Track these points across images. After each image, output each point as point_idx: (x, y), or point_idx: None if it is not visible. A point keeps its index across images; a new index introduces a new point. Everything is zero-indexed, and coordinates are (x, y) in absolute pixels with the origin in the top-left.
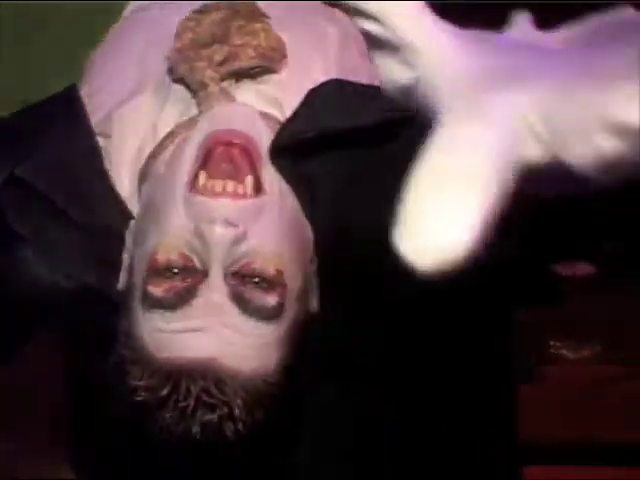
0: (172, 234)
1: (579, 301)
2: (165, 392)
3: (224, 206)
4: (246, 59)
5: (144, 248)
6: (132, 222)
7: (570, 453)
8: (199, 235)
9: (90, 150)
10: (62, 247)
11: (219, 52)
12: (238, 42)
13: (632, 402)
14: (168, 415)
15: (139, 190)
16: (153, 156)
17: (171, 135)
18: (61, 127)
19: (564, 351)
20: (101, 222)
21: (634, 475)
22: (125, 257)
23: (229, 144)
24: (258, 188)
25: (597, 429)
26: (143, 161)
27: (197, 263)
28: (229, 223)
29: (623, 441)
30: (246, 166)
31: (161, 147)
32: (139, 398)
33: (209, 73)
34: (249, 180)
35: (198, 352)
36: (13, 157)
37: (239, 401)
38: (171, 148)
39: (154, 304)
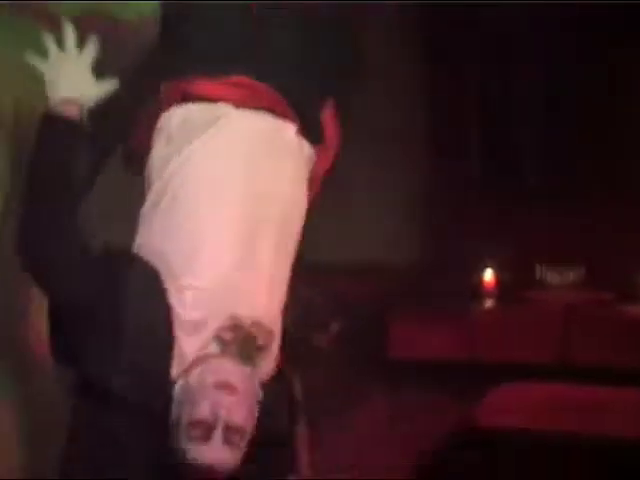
0: (200, 410)
1: (565, 227)
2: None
3: (226, 399)
4: None
5: (186, 411)
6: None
7: (550, 373)
8: (213, 413)
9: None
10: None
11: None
12: None
13: (614, 326)
14: None
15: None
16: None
17: (194, 363)
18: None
19: (549, 276)
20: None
21: (612, 395)
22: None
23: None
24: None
25: (578, 351)
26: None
27: (210, 422)
28: (224, 408)
29: (602, 363)
30: (233, 389)
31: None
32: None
33: None
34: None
35: (207, 461)
36: None
37: None
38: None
39: (192, 439)
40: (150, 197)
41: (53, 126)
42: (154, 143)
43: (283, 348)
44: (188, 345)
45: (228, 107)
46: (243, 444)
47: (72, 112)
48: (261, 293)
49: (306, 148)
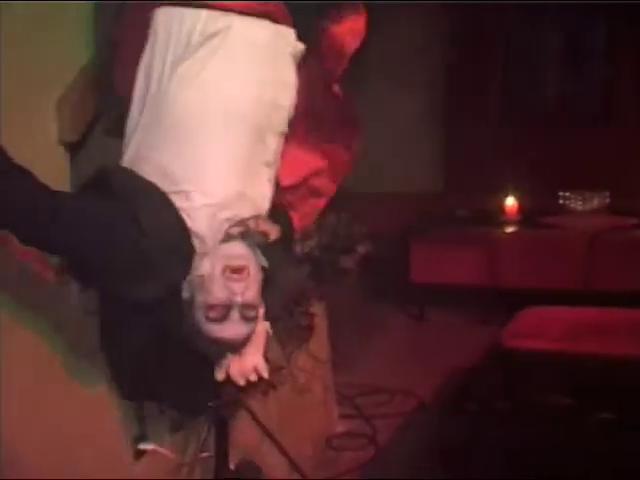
0: (215, 297)
1: (588, 152)
2: (207, 345)
3: (238, 286)
4: None
5: (202, 297)
6: (195, 276)
7: (573, 299)
8: (228, 298)
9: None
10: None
11: None
12: None
13: (638, 250)
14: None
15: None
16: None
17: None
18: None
19: (573, 202)
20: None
21: (629, 316)
22: (186, 287)
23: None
24: (246, 275)
25: (601, 277)
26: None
27: (226, 305)
28: (238, 294)
29: (626, 288)
30: (242, 270)
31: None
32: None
33: None
34: (244, 273)
35: (227, 337)
36: None
37: None
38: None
39: (211, 320)
40: (147, 110)
41: None
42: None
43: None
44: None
45: (231, 15)
46: (256, 317)
47: None
48: (264, 196)
49: (300, 48)
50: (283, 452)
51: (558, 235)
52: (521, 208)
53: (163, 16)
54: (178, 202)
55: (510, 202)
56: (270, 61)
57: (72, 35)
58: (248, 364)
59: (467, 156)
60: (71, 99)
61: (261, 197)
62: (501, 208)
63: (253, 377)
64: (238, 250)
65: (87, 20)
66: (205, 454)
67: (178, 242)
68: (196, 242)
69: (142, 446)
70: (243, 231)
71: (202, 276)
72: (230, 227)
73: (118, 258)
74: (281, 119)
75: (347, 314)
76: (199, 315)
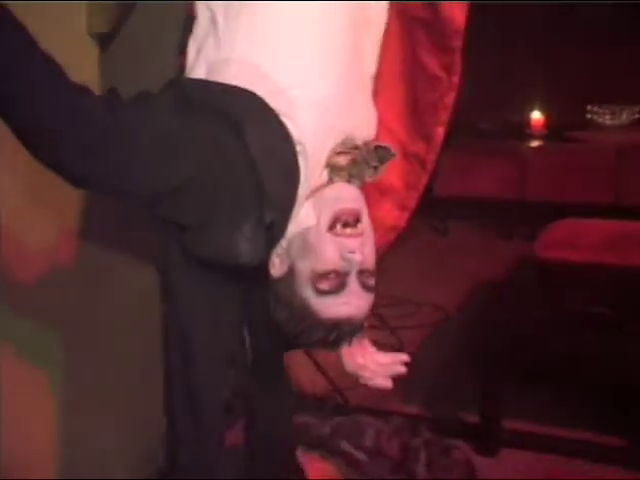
0: (328, 259)
1: (616, 65)
2: (321, 333)
3: (354, 242)
4: None
5: (308, 264)
6: (297, 235)
7: (601, 213)
8: (344, 259)
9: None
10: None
11: None
12: None
13: None
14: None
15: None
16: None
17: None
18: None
19: (601, 116)
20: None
21: None
22: (283, 253)
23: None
24: (361, 229)
25: (631, 192)
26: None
27: (342, 270)
28: (357, 251)
29: None
30: (356, 221)
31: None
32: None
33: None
34: (359, 226)
35: (346, 313)
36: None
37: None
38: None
39: (324, 292)
40: (230, 6)
41: None
42: None
43: None
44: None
45: None
46: (375, 285)
47: None
48: (369, 110)
49: None
50: (312, 359)
51: (585, 149)
52: (547, 122)
53: None
54: (277, 105)
55: (536, 116)
56: None
57: None
58: (368, 354)
59: (491, 68)
60: None
61: (369, 114)
62: (527, 122)
63: (395, 370)
64: (348, 191)
65: None
66: None
67: (290, 164)
68: (302, 162)
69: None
70: (353, 159)
71: (306, 230)
72: (337, 152)
73: (224, 191)
74: (377, 18)
75: None
76: (306, 290)
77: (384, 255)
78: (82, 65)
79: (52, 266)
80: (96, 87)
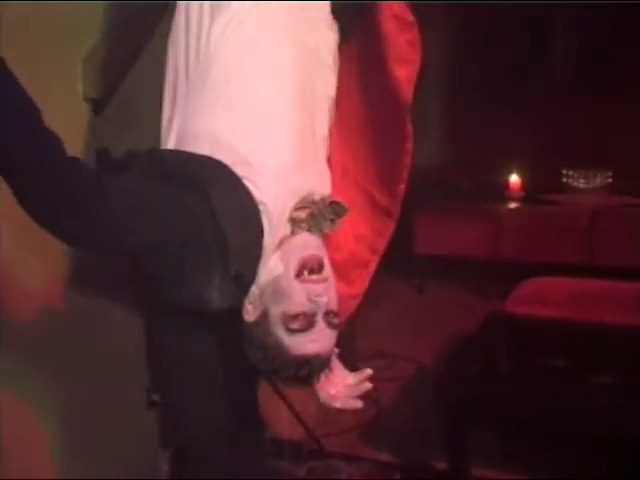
0: (297, 303)
1: (592, 131)
2: (293, 369)
3: (320, 287)
4: None
5: (279, 307)
6: (268, 283)
7: (574, 273)
8: (312, 302)
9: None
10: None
11: None
12: None
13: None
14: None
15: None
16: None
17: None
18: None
19: (576, 180)
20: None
21: (628, 288)
22: (257, 299)
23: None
24: (325, 275)
25: (602, 253)
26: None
27: (310, 312)
28: (323, 295)
29: (626, 264)
30: (320, 267)
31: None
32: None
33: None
34: (323, 272)
35: (315, 349)
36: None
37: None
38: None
39: (295, 331)
40: (186, 82)
41: None
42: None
43: None
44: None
45: None
46: (339, 323)
47: None
48: (323, 169)
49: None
50: (290, 407)
51: (560, 211)
52: (525, 185)
53: None
54: (241, 172)
55: (514, 179)
56: (305, 23)
57: None
58: (339, 382)
59: (471, 132)
60: (97, 57)
61: (323, 174)
62: (506, 185)
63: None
64: (311, 240)
65: None
66: None
67: (253, 222)
68: (265, 220)
69: (154, 397)
70: (311, 213)
71: (277, 278)
72: (297, 208)
73: (191, 251)
74: (326, 81)
75: None
76: (279, 330)
77: (363, 309)
78: (76, 128)
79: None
80: (88, 149)
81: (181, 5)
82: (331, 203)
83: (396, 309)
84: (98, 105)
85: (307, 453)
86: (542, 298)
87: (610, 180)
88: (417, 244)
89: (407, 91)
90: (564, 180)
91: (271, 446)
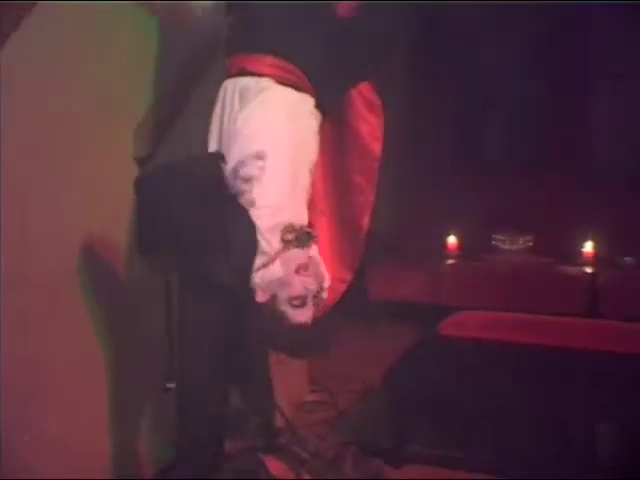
0: (298, 289)
1: (517, 202)
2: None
3: (311, 280)
4: None
5: (285, 293)
6: (274, 279)
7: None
8: (306, 289)
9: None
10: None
11: None
12: None
13: (555, 286)
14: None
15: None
16: (277, 255)
17: (272, 258)
18: None
19: (503, 242)
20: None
21: (547, 319)
22: (266, 289)
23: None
24: (312, 271)
25: (523, 302)
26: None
27: (305, 295)
28: (313, 285)
29: (543, 311)
30: (307, 266)
31: (278, 254)
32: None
33: None
34: (310, 270)
35: (307, 318)
36: None
37: None
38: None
39: (295, 307)
40: (220, 144)
41: None
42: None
43: None
44: (266, 246)
45: (271, 81)
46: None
47: None
48: (302, 207)
49: (319, 116)
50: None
51: (489, 267)
52: (461, 246)
53: (227, 84)
54: (248, 206)
55: (452, 240)
56: (299, 114)
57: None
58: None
59: (419, 201)
60: (146, 123)
61: (302, 210)
62: (445, 245)
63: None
64: (299, 252)
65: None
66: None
67: (251, 236)
68: (263, 242)
69: (169, 385)
70: (296, 235)
71: (281, 277)
72: (285, 232)
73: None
74: (309, 151)
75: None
76: (284, 305)
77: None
78: (126, 183)
79: None
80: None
81: (220, 92)
82: (306, 231)
83: (353, 344)
84: (143, 162)
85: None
86: (464, 324)
87: (531, 243)
88: (372, 291)
89: (373, 145)
90: (493, 243)
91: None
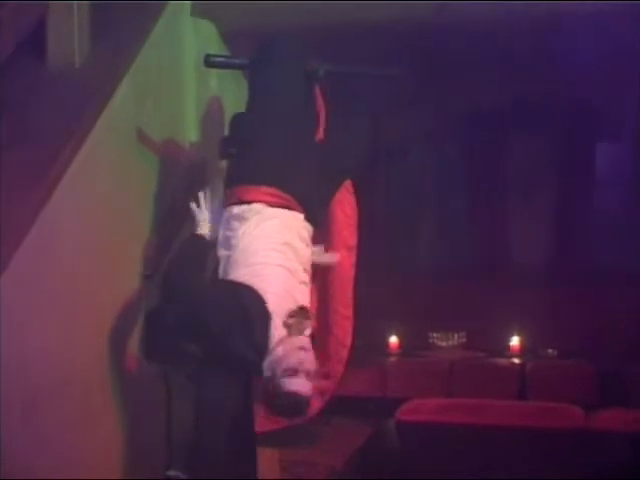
0: (292, 364)
1: (451, 303)
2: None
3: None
4: None
5: (281, 366)
6: (276, 358)
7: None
8: (300, 365)
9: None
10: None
11: None
12: None
13: (487, 376)
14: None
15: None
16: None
17: (277, 344)
18: None
19: (439, 340)
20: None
21: (487, 403)
22: (268, 367)
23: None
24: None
25: (459, 392)
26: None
27: (299, 369)
28: (305, 363)
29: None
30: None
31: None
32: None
33: None
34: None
35: (297, 388)
36: None
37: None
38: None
39: (289, 376)
40: (227, 257)
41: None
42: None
43: None
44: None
45: (263, 205)
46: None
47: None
48: (304, 292)
49: (309, 227)
50: None
51: (427, 363)
52: (401, 344)
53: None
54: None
55: (393, 339)
56: (290, 226)
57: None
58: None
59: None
60: (154, 242)
61: (304, 293)
62: (387, 344)
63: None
64: (300, 339)
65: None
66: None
67: (265, 319)
68: (270, 319)
69: (170, 473)
70: (296, 321)
71: (280, 357)
72: (288, 317)
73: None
74: (304, 256)
75: None
76: (281, 375)
77: None
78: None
79: None
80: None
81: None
82: (302, 309)
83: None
84: (150, 277)
85: None
86: (417, 410)
87: (464, 339)
88: None
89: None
90: (430, 340)
91: None
